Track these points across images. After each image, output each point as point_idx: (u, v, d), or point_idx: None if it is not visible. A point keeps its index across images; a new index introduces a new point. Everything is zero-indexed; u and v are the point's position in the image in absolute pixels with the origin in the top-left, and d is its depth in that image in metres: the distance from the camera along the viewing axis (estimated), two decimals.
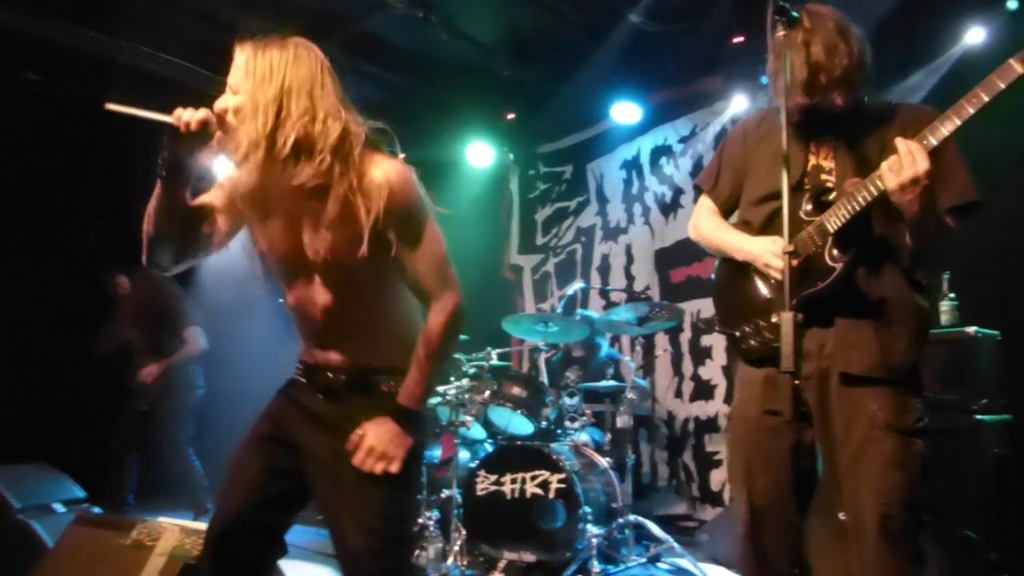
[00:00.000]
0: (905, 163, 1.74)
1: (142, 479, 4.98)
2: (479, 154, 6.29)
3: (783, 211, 1.74)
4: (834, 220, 1.92)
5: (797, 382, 1.63)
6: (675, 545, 3.81)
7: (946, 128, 1.75)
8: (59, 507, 3.50)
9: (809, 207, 2.00)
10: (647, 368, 5.29)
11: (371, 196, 1.63)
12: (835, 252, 1.93)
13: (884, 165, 1.79)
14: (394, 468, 1.65)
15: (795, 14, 1.91)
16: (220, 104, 1.68)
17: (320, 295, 1.74)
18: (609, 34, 5.02)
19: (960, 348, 3.26)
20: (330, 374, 1.77)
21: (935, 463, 2.98)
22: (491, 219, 6.73)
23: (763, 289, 2.08)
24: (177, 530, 2.20)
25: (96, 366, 6.10)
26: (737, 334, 2.10)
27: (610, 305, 5.58)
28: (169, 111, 1.69)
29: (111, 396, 5.28)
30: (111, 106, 1.63)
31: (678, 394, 5.26)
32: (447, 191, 6.59)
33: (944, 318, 3.43)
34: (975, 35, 4.00)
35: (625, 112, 5.53)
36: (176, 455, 4.98)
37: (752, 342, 2.06)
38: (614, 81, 5.46)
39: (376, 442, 1.66)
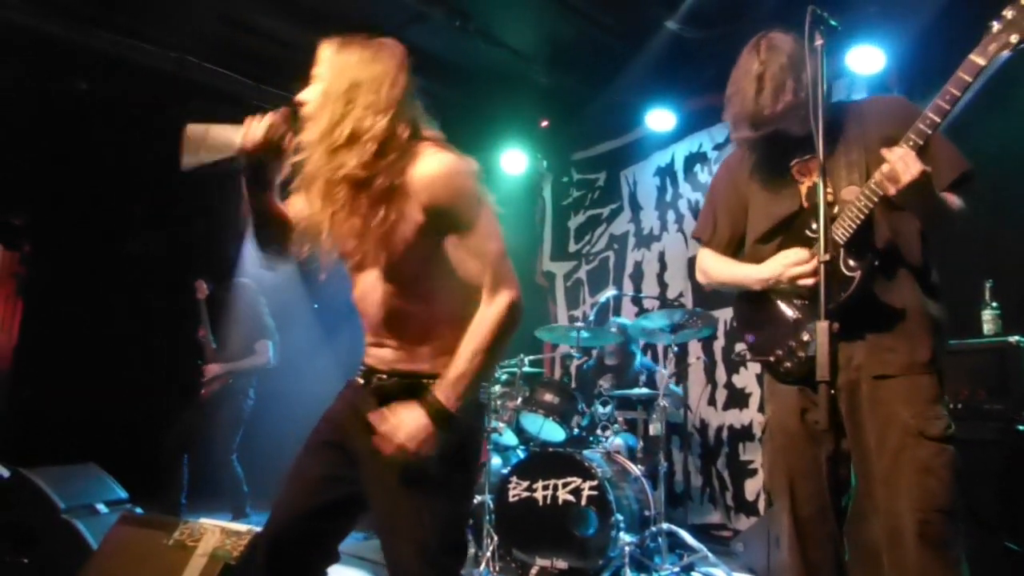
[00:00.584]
0: (899, 170, 1.80)
1: (191, 481, 5.08)
2: (513, 161, 6.33)
3: (820, 223, 1.75)
4: (841, 231, 1.95)
5: (833, 391, 1.63)
6: (709, 554, 3.78)
7: (927, 127, 1.83)
8: (103, 507, 3.57)
9: (815, 224, 2.00)
10: (680, 375, 5.26)
11: (415, 190, 1.63)
12: (850, 262, 1.95)
13: (878, 175, 1.85)
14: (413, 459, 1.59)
15: (833, 23, 1.92)
16: (302, 95, 1.73)
17: (377, 289, 1.73)
18: (646, 41, 5.02)
19: (1003, 357, 3.20)
20: (383, 376, 1.75)
21: (978, 474, 2.98)
22: (524, 226, 6.76)
23: (787, 311, 2.11)
24: (218, 531, 2.24)
25: (149, 369, 6.26)
26: (772, 359, 2.11)
27: (642, 313, 5.56)
28: (215, 119, 1.74)
29: (162, 399, 5.40)
30: (186, 160, 1.70)
31: (711, 402, 5.22)
32: None
33: (987, 327, 3.36)
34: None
35: (660, 119, 5.52)
36: (224, 461, 5.09)
37: (788, 364, 2.07)
38: (649, 88, 5.45)
39: (399, 426, 1.60)
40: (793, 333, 2.06)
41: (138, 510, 3.70)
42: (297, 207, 1.80)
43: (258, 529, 2.34)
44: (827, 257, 1.71)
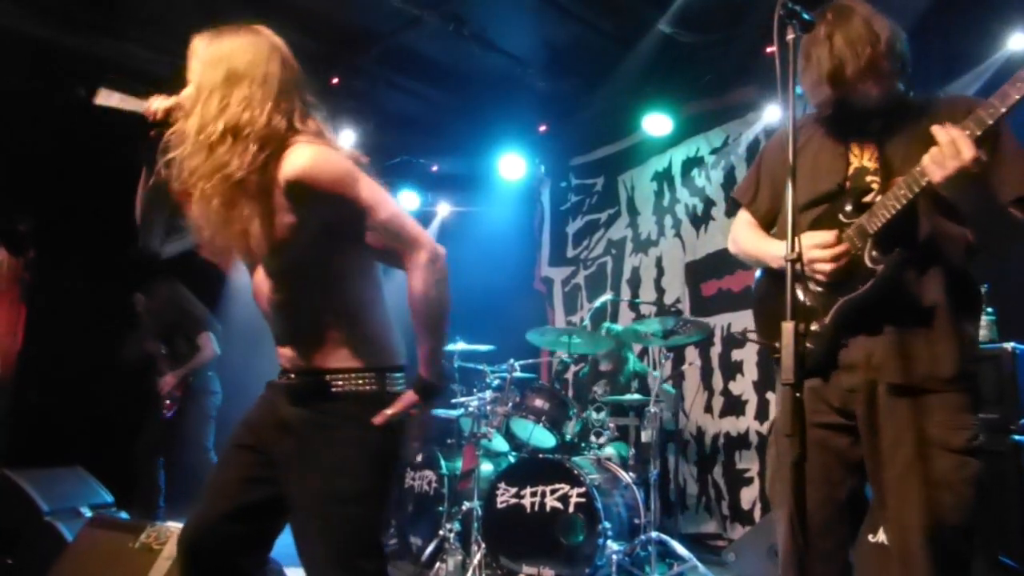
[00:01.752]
0: (947, 153, 1.63)
1: (169, 485, 5.07)
2: (511, 166, 6.30)
3: (788, 214, 1.66)
4: (874, 221, 1.82)
5: (798, 395, 1.54)
6: (698, 564, 3.73)
7: (989, 116, 1.65)
8: (86, 511, 3.56)
9: (849, 208, 1.90)
10: (675, 382, 5.20)
11: (288, 184, 1.59)
12: (875, 254, 1.82)
13: (926, 158, 1.68)
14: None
15: (807, 16, 1.85)
16: (183, 94, 1.70)
17: (267, 286, 1.71)
18: (643, 46, 4.99)
19: (998, 365, 3.13)
20: (292, 375, 1.74)
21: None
22: (522, 231, 6.73)
23: (803, 298, 1.96)
24: None
25: (131, 374, 6.27)
26: (776, 344, 2.01)
27: (640, 318, 5.51)
28: None
29: (158, 404, 5.41)
30: (99, 99, 1.72)
31: (708, 409, 5.16)
32: (479, 203, 6.62)
33: (982, 333, 3.29)
34: (1018, 41, 3.99)
35: (656, 124, 5.47)
36: (202, 460, 5.07)
37: None
38: (647, 93, 5.42)
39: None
40: (804, 322, 1.91)
41: (123, 514, 3.69)
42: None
43: None
44: (794, 256, 1.61)
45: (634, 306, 5.69)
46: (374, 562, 1.68)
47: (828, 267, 1.86)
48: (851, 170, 1.96)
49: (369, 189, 1.66)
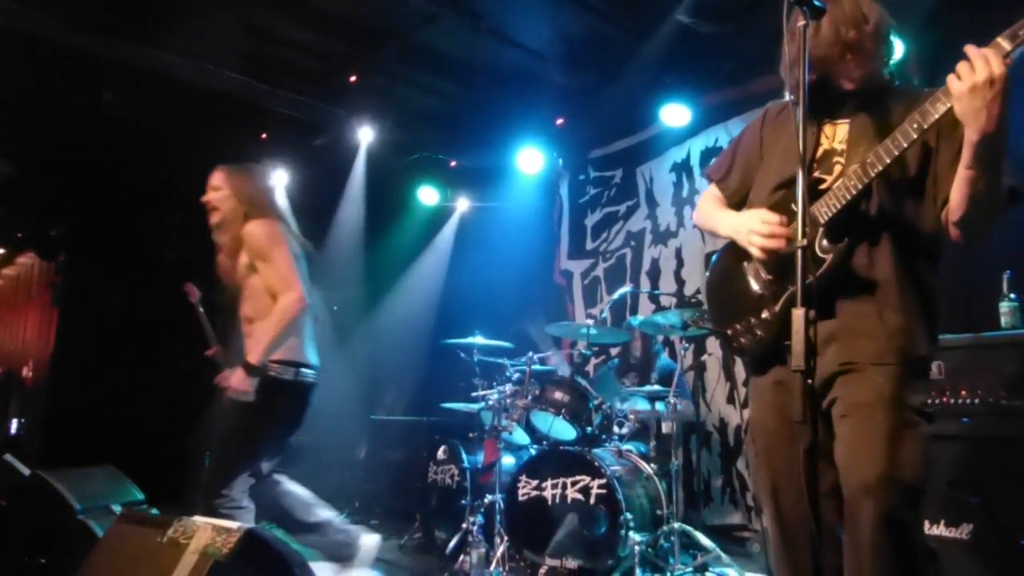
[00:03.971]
0: (978, 65, 1.57)
1: None
2: (529, 160, 6.31)
3: (799, 202, 1.65)
4: (824, 210, 1.83)
5: (810, 381, 1.54)
6: (722, 554, 3.71)
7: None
8: (118, 508, 3.63)
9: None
10: (696, 373, 5.18)
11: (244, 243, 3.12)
12: (824, 243, 1.83)
13: (951, 78, 1.61)
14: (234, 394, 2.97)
15: (818, 3, 1.82)
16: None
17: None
18: (661, 37, 4.96)
19: (1023, 352, 3.08)
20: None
21: (997, 472, 2.88)
22: (541, 225, 6.74)
23: (754, 285, 2.00)
24: (209, 528, 2.24)
25: (171, 376, 6.38)
26: (729, 332, 2.01)
27: (660, 310, 5.50)
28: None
29: (188, 403, 5.50)
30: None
31: (730, 400, 5.13)
32: (498, 197, 6.63)
33: (1005, 319, 3.24)
34: None
35: (674, 114, 5.44)
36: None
37: (743, 340, 1.98)
38: (665, 84, 5.40)
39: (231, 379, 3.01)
40: (755, 309, 1.95)
41: (154, 511, 3.76)
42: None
43: (251, 527, 2.35)
44: (804, 243, 1.60)
45: (654, 298, 5.67)
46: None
47: (763, 243, 1.86)
48: (820, 152, 1.95)
49: (278, 252, 3.05)
